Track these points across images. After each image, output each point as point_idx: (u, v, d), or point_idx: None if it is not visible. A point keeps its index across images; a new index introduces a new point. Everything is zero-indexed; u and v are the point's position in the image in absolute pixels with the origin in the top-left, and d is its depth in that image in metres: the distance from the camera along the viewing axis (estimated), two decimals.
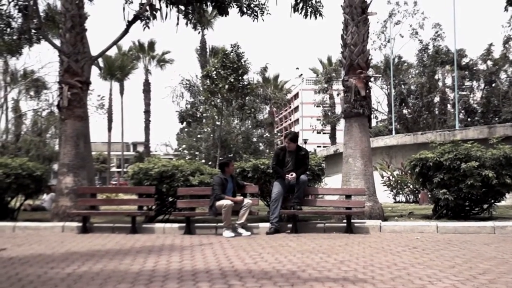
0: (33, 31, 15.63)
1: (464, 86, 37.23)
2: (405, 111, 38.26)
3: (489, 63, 36.46)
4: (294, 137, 9.71)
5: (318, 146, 54.56)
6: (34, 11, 13.07)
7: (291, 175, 9.10)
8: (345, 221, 9.14)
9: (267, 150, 33.15)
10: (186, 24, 14.64)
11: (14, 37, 16.77)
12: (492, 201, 10.02)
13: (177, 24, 14.13)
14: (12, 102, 38.27)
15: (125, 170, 57.83)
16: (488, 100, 35.36)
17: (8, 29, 16.39)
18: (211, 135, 29.02)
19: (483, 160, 9.43)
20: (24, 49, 18.69)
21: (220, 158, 22.61)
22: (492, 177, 9.17)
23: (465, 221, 9.25)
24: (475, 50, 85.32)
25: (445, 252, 6.48)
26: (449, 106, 37.45)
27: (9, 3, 15.35)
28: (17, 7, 15.03)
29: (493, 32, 72.48)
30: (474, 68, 36.90)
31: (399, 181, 17.88)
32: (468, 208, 10.04)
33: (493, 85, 36.55)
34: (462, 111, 35.41)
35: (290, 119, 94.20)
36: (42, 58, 78.34)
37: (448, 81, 38.26)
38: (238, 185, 9.49)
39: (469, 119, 35.72)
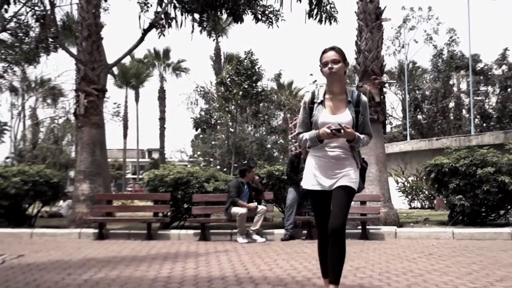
0: (50, 40, 15.87)
1: (479, 91, 36.87)
2: (419, 117, 38.00)
3: (504, 68, 36.10)
4: None
5: None
6: (51, 20, 13.27)
7: None
8: (360, 227, 9.11)
9: (281, 157, 33.10)
10: (201, 31, 14.77)
11: (32, 46, 17.05)
12: (509, 207, 9.94)
13: (192, 31, 14.30)
14: (29, 109, 38.79)
15: (140, 176, 58.09)
16: (503, 105, 34.96)
17: (26, 38, 16.68)
18: (226, 142, 29.06)
19: (499, 166, 9.36)
20: (42, 57, 19.01)
21: (235, 165, 22.67)
22: (508, 183, 9.10)
23: (481, 227, 9.18)
24: (490, 55, 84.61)
25: (462, 259, 6.43)
26: (464, 111, 37.14)
27: (27, 13, 15.64)
28: (34, 16, 15.29)
29: (508, 36, 71.93)
30: (489, 73, 36.54)
31: (414, 187, 17.77)
32: (484, 214, 9.97)
33: (509, 90, 36.17)
34: (478, 116, 35.06)
35: None
36: (59, 66, 79.07)
37: (463, 86, 37.94)
38: (255, 190, 9.52)
39: (484, 124, 35.36)
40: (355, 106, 3.92)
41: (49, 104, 38.39)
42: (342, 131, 3.70)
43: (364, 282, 4.97)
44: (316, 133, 3.85)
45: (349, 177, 3.87)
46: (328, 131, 3.72)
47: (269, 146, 33.19)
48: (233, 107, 24.24)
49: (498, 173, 9.24)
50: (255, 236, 8.88)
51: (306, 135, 3.94)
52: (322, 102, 3.94)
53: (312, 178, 3.94)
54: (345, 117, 3.87)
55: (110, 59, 12.51)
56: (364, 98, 4.00)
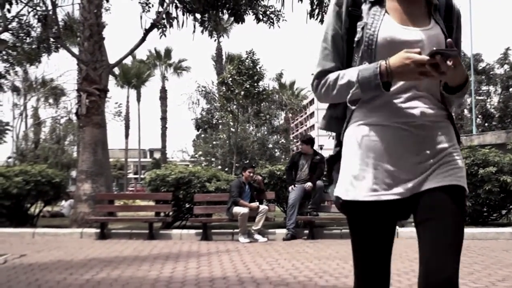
0: (51, 40, 15.89)
1: (481, 91, 36.89)
2: None
3: (506, 67, 36.08)
4: (308, 140, 9.73)
5: None
6: (53, 20, 13.28)
7: (308, 186, 9.14)
8: None
9: (283, 156, 33.11)
10: (202, 32, 14.81)
11: (34, 46, 17.10)
12: (511, 206, 9.91)
13: (194, 31, 14.35)
14: (31, 109, 38.86)
15: (142, 176, 58.12)
16: (505, 105, 34.97)
17: (28, 38, 16.73)
18: (227, 142, 29.08)
19: (501, 166, 9.34)
20: (43, 57, 19.06)
21: (236, 165, 22.68)
22: (510, 183, 9.08)
23: (483, 227, 9.16)
24: (492, 55, 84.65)
25: (464, 259, 6.40)
26: (466, 111, 37.15)
27: (29, 13, 15.67)
28: (36, 16, 15.31)
29: (511, 36, 71.96)
30: (491, 72, 36.56)
31: None
32: (486, 214, 9.95)
33: (511, 89, 36.17)
34: (479, 116, 35.06)
35: (306, 125, 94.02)
36: (61, 66, 79.19)
37: None
38: (257, 190, 9.54)
39: (486, 124, 35.37)
40: (444, 18, 1.84)
41: (51, 104, 38.44)
42: (451, 61, 1.53)
43: None
44: (377, 67, 1.66)
45: (455, 165, 1.78)
46: (417, 57, 1.57)
47: (270, 146, 33.18)
48: (234, 106, 24.26)
49: (500, 173, 9.22)
50: (256, 236, 8.89)
51: (350, 74, 1.75)
52: (380, 2, 1.80)
53: (368, 179, 1.76)
54: (432, 35, 1.77)
55: (112, 59, 12.52)
56: (457, 5, 1.91)
